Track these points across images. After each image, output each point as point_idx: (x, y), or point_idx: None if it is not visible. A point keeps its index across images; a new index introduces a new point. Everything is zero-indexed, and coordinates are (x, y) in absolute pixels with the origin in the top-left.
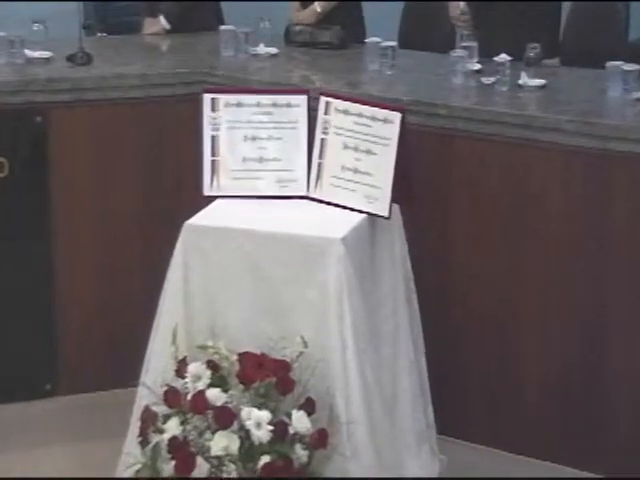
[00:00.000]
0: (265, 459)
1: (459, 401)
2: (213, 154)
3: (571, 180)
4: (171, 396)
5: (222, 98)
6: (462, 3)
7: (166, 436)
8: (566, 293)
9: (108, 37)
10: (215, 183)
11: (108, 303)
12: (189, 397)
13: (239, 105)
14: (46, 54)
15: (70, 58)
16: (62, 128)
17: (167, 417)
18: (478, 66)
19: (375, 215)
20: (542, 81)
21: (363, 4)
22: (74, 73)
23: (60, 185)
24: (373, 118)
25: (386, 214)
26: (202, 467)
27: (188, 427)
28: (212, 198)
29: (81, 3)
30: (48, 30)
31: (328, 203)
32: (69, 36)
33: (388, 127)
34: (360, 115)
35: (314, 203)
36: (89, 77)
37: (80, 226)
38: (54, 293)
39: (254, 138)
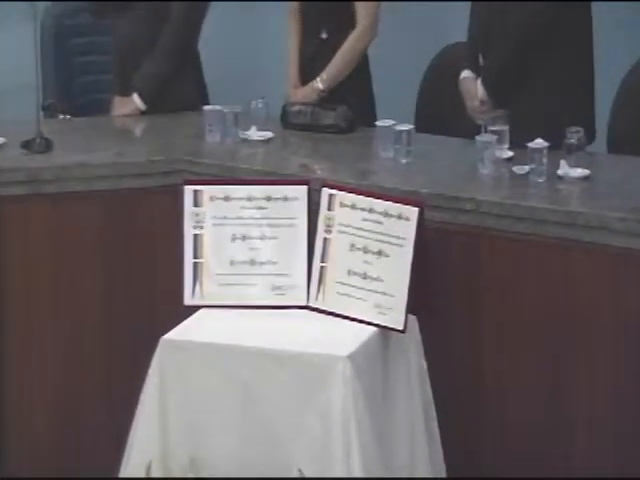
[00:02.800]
0: None
1: None
2: (196, 256)
3: (622, 288)
4: None
5: (206, 190)
6: (481, 91)
7: None
8: (617, 425)
9: (72, 119)
10: (198, 290)
11: (66, 435)
12: None
13: (227, 199)
14: None
15: (26, 144)
16: (16, 226)
17: None
18: (510, 153)
19: (388, 328)
20: (586, 171)
21: (374, 81)
22: (30, 162)
23: (14, 292)
24: (386, 214)
25: (401, 327)
26: None
27: None
28: (194, 308)
29: (40, 79)
30: (0, 111)
31: (332, 314)
32: (26, 118)
33: (403, 224)
34: (370, 210)
35: (316, 314)
36: (48, 167)
37: (36, 340)
38: (1, 422)
39: (244, 237)
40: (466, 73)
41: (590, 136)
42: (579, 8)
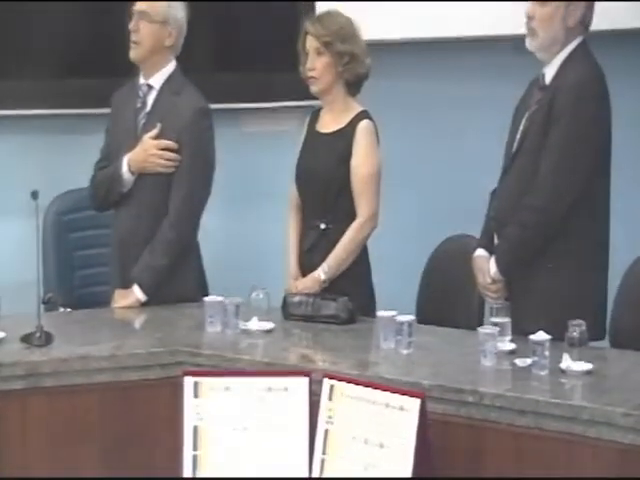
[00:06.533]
0: None
1: None
2: (195, 448)
3: None
4: None
5: (206, 382)
6: (493, 270)
7: None
8: None
9: (72, 312)
10: None
11: None
12: None
13: (227, 390)
14: None
15: (26, 338)
16: (14, 421)
17: None
18: (512, 346)
19: None
20: (589, 365)
21: (373, 271)
22: (30, 356)
23: None
24: (387, 405)
25: None
26: None
27: None
28: None
29: (41, 273)
30: (1, 306)
31: None
32: (26, 312)
33: (405, 416)
34: (371, 402)
35: None
36: (47, 360)
37: None
38: None
39: (245, 429)
40: (480, 251)
41: (600, 333)
42: (596, 196)
